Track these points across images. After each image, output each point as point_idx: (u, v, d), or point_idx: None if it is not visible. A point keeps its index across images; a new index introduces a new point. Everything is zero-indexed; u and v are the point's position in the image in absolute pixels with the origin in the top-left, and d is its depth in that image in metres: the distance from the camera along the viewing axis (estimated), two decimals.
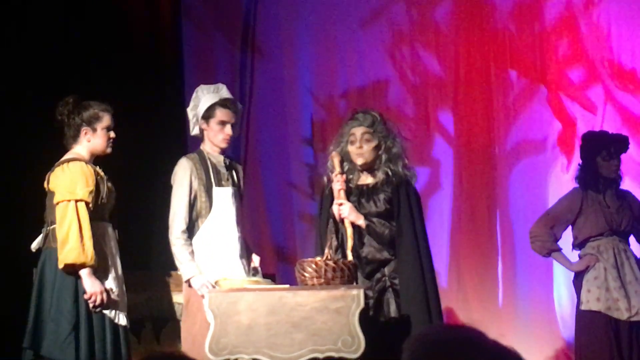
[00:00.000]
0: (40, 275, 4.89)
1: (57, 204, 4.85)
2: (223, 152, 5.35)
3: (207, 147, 5.33)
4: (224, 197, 5.24)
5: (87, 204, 4.85)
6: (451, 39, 7.30)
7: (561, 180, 6.86)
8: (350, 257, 4.75)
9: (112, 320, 4.89)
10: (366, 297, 4.56)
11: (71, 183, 4.85)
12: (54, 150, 5.13)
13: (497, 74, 7.25)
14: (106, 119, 5.02)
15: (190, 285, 5.15)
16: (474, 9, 7.29)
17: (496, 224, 7.16)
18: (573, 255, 6.06)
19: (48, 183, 4.96)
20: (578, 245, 6.02)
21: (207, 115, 5.27)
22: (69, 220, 4.80)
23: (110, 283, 4.93)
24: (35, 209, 5.19)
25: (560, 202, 6.11)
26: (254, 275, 5.16)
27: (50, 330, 4.79)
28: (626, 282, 5.84)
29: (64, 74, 6.26)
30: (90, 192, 4.87)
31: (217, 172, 5.27)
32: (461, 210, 7.20)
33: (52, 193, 4.92)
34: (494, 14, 7.27)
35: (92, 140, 5.01)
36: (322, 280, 4.50)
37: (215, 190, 5.23)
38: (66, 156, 5.00)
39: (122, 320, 4.94)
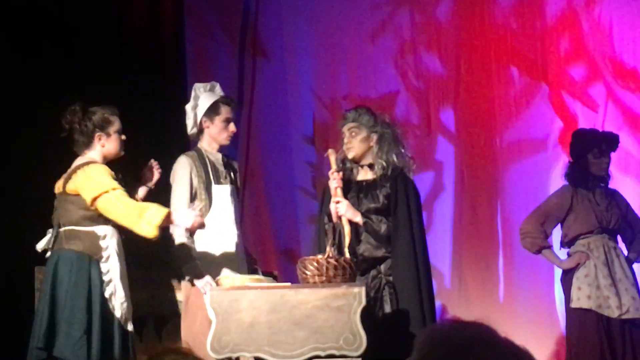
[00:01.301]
0: (53, 276, 4.90)
1: (95, 199, 4.86)
2: (220, 149, 5.34)
3: (204, 144, 5.31)
4: (223, 194, 5.24)
5: (123, 190, 4.88)
6: (452, 36, 7.30)
7: (562, 177, 6.85)
8: (347, 254, 4.75)
9: (121, 324, 4.91)
10: (367, 294, 4.56)
11: (98, 178, 4.88)
12: (56, 150, 5.11)
13: (498, 71, 7.25)
14: (117, 122, 5.05)
15: (192, 284, 5.13)
16: (475, 7, 7.29)
17: (497, 221, 7.16)
18: (561, 253, 6.05)
19: (65, 185, 4.96)
20: (567, 242, 6.01)
21: (211, 113, 5.26)
22: (123, 204, 4.82)
23: (120, 288, 4.94)
24: (37, 210, 5.18)
25: (550, 199, 6.11)
26: (253, 273, 5.16)
27: (63, 332, 4.81)
28: (616, 280, 5.83)
29: (65, 75, 6.25)
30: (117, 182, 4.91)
31: (215, 170, 5.27)
32: (462, 207, 7.20)
33: (70, 195, 4.93)
34: (495, 11, 7.26)
35: (106, 145, 5.04)
36: (324, 278, 4.50)
37: (215, 188, 5.23)
38: (81, 161, 5.01)
39: (129, 326, 4.97)
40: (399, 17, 7.38)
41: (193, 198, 5.21)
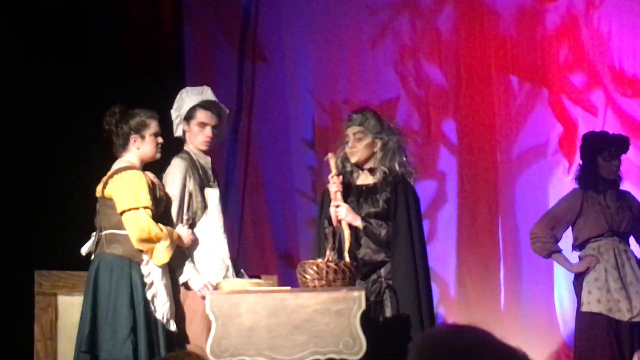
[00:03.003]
0: (95, 280, 4.93)
1: (123, 212, 4.91)
2: (207, 153, 5.33)
3: (191, 147, 5.30)
4: (213, 197, 5.24)
5: (151, 210, 4.94)
6: (453, 45, 7.30)
7: (563, 182, 6.86)
8: (347, 258, 4.76)
9: (164, 326, 4.94)
10: (367, 299, 4.57)
11: (134, 191, 4.92)
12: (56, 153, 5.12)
13: (498, 79, 7.24)
14: (153, 126, 5.08)
15: (187, 287, 5.12)
16: (475, 15, 7.29)
17: (498, 228, 7.16)
18: (573, 257, 6.05)
19: (103, 190, 4.99)
20: (578, 246, 6.00)
21: (188, 116, 5.26)
22: (146, 226, 4.87)
23: (162, 290, 4.98)
24: (38, 211, 5.17)
25: (560, 203, 6.10)
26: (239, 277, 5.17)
27: (107, 335, 4.84)
28: (627, 283, 5.82)
29: (65, 77, 6.25)
30: (150, 199, 4.95)
31: (205, 173, 5.26)
32: (463, 215, 7.20)
33: (109, 200, 4.97)
34: (495, 19, 7.26)
35: (141, 148, 5.07)
36: (324, 282, 4.50)
37: (207, 190, 5.22)
38: (119, 164, 5.04)
39: (172, 326, 4.99)
40: (399, 22, 7.38)
41: (188, 201, 5.20)
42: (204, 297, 4.97)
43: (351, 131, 5.10)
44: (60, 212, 5.95)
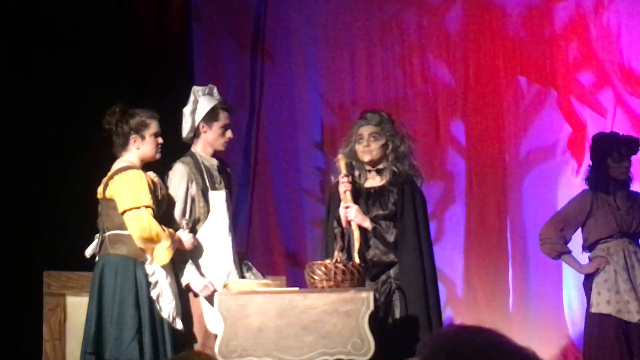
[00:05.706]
0: (100, 282, 4.94)
1: (125, 211, 4.91)
2: (214, 154, 5.31)
3: (199, 149, 5.26)
4: (219, 200, 5.21)
5: (152, 209, 4.93)
6: (461, 45, 7.29)
7: (571, 184, 6.85)
8: (356, 259, 4.76)
9: (170, 325, 4.93)
10: (375, 299, 4.57)
11: (134, 190, 4.91)
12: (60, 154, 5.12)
13: (506, 79, 7.24)
14: (153, 126, 5.08)
15: (188, 290, 5.11)
16: (483, 15, 7.28)
17: (506, 229, 7.15)
18: (583, 257, 6.03)
19: (104, 191, 4.99)
20: (588, 247, 5.99)
21: (210, 118, 5.22)
22: (148, 225, 4.86)
23: (167, 288, 4.97)
24: (46, 213, 5.18)
25: (570, 204, 6.08)
26: (247, 270, 5.16)
27: (113, 335, 4.85)
28: (637, 285, 5.81)
29: (73, 78, 6.25)
30: (152, 198, 4.94)
31: (210, 176, 5.23)
32: (471, 216, 7.19)
33: (110, 200, 4.97)
34: (504, 19, 7.25)
35: (141, 148, 5.07)
36: (332, 283, 4.50)
37: (211, 194, 5.19)
38: (120, 164, 5.04)
39: (178, 324, 4.99)
40: (406, 22, 7.38)
41: (191, 205, 5.18)
42: (207, 297, 4.99)
43: (366, 131, 5.09)
44: (69, 213, 5.96)
